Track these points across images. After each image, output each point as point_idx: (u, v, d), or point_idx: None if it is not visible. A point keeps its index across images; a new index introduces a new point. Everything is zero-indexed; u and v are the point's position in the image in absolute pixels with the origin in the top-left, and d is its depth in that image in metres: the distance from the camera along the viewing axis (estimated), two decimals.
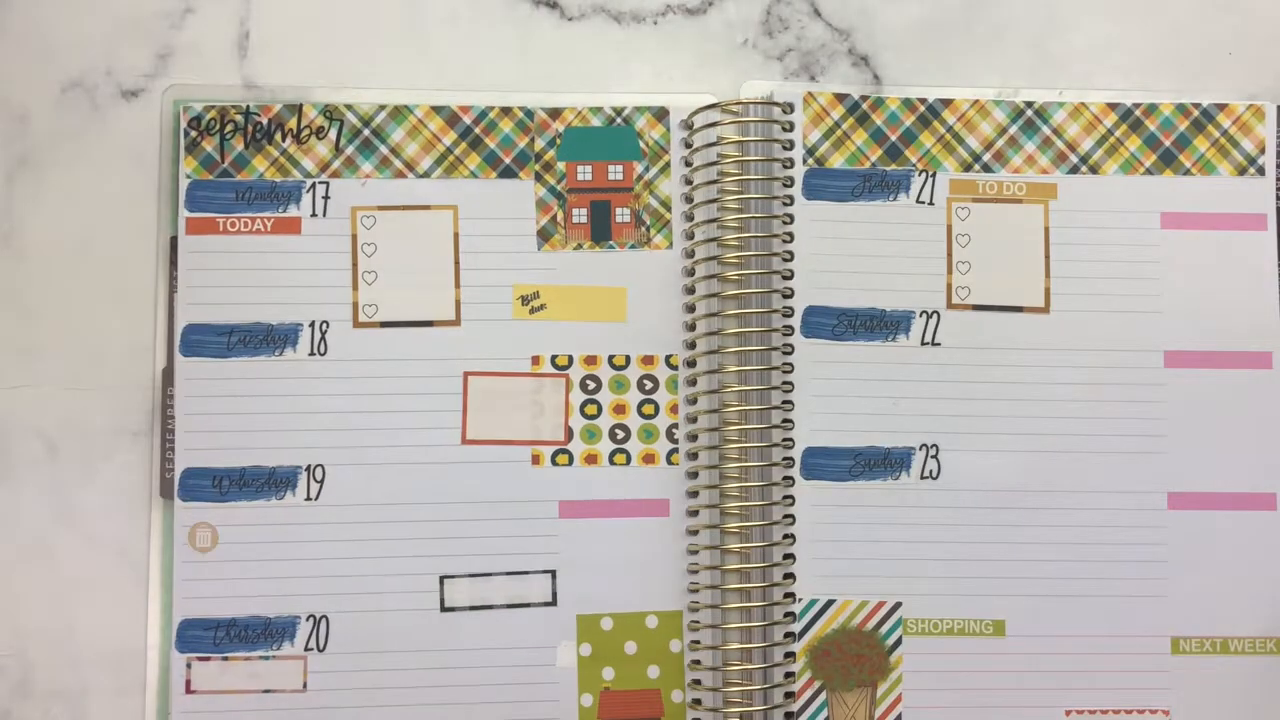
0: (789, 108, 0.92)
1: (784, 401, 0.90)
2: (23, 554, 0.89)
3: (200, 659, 0.88)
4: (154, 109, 0.91)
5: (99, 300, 0.90)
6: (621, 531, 0.89)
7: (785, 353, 0.90)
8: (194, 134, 0.90)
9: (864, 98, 0.93)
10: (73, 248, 0.90)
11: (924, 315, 0.91)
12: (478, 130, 0.91)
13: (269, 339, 0.89)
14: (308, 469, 0.88)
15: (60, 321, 0.90)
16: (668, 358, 0.91)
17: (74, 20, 0.92)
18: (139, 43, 0.92)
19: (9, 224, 0.90)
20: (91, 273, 0.90)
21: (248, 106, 0.91)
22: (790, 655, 0.89)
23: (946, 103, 0.93)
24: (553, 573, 0.89)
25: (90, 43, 0.92)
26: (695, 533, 0.90)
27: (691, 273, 0.91)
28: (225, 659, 0.87)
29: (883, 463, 0.91)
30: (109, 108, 0.92)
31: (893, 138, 0.93)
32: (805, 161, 0.92)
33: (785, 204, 0.91)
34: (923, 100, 0.93)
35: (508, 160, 0.91)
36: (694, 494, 0.90)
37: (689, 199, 0.91)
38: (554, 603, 0.89)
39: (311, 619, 0.88)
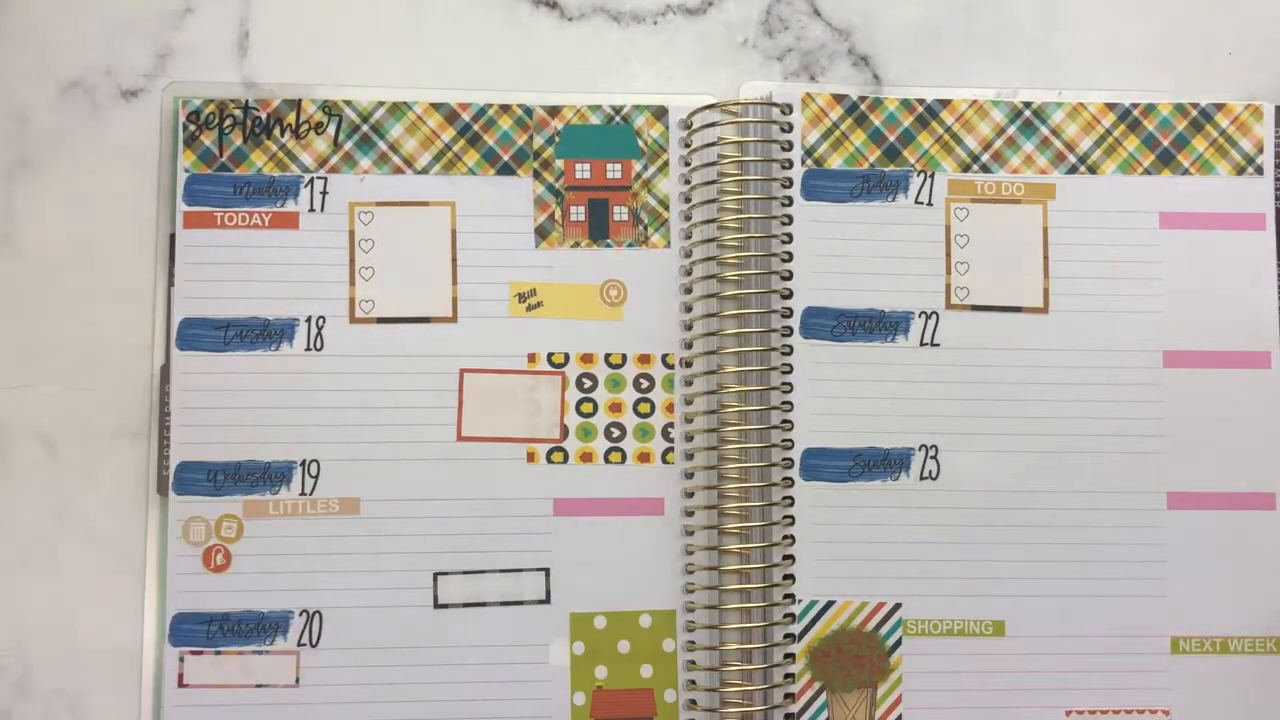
0: (787, 108, 0.92)
1: (783, 402, 0.90)
2: (23, 554, 0.89)
3: (193, 653, 0.88)
4: (153, 109, 0.92)
5: (99, 300, 0.90)
6: (616, 530, 0.89)
7: (784, 353, 0.90)
8: (192, 128, 0.90)
9: (862, 98, 0.93)
10: (73, 248, 0.91)
11: (923, 316, 0.91)
12: (476, 127, 0.91)
13: (265, 334, 0.89)
14: (303, 464, 0.88)
15: (60, 321, 0.90)
16: (664, 357, 0.91)
17: (74, 20, 0.92)
18: (139, 43, 0.92)
19: (9, 224, 0.91)
20: (91, 273, 0.91)
21: (246, 101, 0.91)
22: (790, 656, 0.89)
23: (945, 103, 0.93)
24: (546, 570, 0.89)
25: (90, 43, 0.92)
26: (692, 533, 0.89)
27: (689, 273, 0.91)
28: (218, 653, 0.87)
29: (882, 463, 0.91)
30: (109, 107, 0.92)
31: (891, 138, 0.93)
32: (804, 162, 0.92)
33: (784, 204, 0.91)
34: (921, 101, 0.93)
35: (506, 157, 0.91)
36: (690, 494, 0.90)
37: (687, 199, 0.91)
38: (547, 601, 0.89)
39: (305, 614, 0.88)
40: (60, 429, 0.90)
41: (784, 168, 0.92)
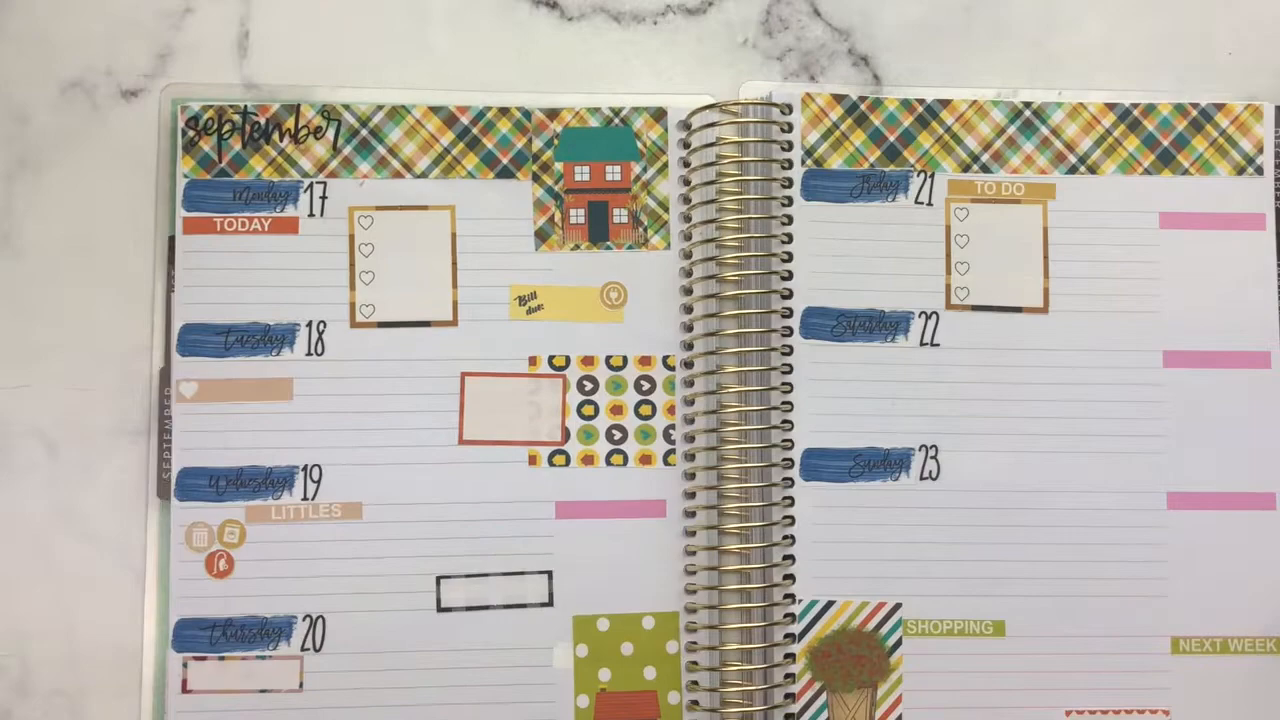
0: (787, 108, 0.92)
1: (783, 402, 0.90)
2: (23, 554, 0.89)
3: (196, 658, 0.88)
4: (153, 109, 0.91)
5: (98, 300, 0.90)
6: (618, 533, 0.89)
7: (784, 353, 0.90)
8: (191, 133, 0.90)
9: (862, 98, 0.93)
10: (72, 248, 0.91)
11: (923, 316, 0.91)
12: (475, 130, 0.91)
13: (266, 339, 0.89)
14: (304, 469, 0.88)
15: (60, 321, 0.90)
16: (665, 358, 0.91)
17: (74, 20, 0.92)
18: (139, 43, 0.92)
19: (9, 224, 0.91)
20: (91, 273, 0.91)
21: (245, 106, 0.91)
22: (790, 656, 0.89)
23: (945, 103, 0.93)
24: (549, 573, 0.89)
25: (90, 43, 0.92)
26: (693, 534, 0.90)
27: (689, 273, 0.91)
28: (222, 659, 0.87)
29: (882, 463, 0.91)
30: (109, 108, 0.92)
31: (891, 138, 0.93)
32: (804, 162, 0.92)
33: (784, 205, 0.91)
34: (921, 101, 0.93)
35: (505, 161, 0.91)
36: (692, 495, 0.90)
37: (686, 200, 0.91)
38: (550, 603, 0.89)
39: (308, 619, 0.88)
40: (60, 429, 0.90)
41: (784, 168, 0.92)
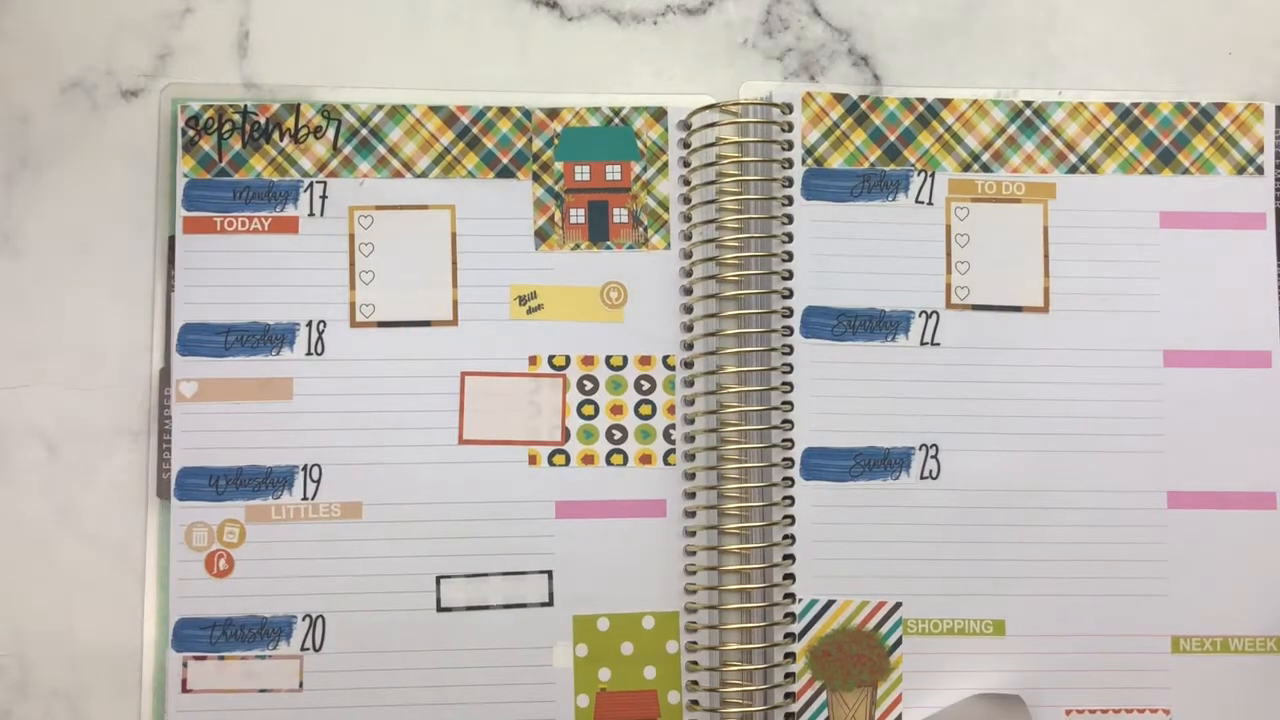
0: (788, 108, 0.92)
1: (784, 402, 0.90)
2: (22, 554, 0.89)
3: (196, 658, 0.88)
4: (153, 109, 0.91)
5: (98, 300, 0.90)
6: (618, 532, 0.89)
7: (785, 353, 0.90)
8: (191, 133, 0.90)
9: (863, 98, 0.93)
10: (72, 248, 0.91)
11: (923, 315, 0.91)
12: (475, 130, 0.91)
13: (266, 338, 0.89)
14: (304, 468, 0.88)
15: (60, 321, 0.90)
16: (665, 358, 0.91)
17: (74, 20, 0.92)
18: (139, 43, 0.92)
19: (9, 224, 0.91)
20: (91, 273, 0.90)
21: (245, 106, 0.91)
22: (790, 655, 0.89)
23: (945, 102, 0.93)
24: (549, 573, 0.89)
25: (90, 43, 0.92)
26: (693, 533, 0.89)
27: (689, 273, 0.91)
28: (222, 658, 0.87)
29: (882, 463, 0.91)
30: (109, 108, 0.92)
31: (892, 138, 0.92)
32: (804, 162, 0.92)
33: (784, 204, 0.91)
34: (921, 100, 0.93)
35: (505, 160, 0.91)
36: (692, 495, 0.90)
37: (686, 199, 0.91)
38: (550, 603, 0.89)
39: (308, 619, 0.88)
40: (60, 429, 0.90)
41: (784, 167, 0.92)
